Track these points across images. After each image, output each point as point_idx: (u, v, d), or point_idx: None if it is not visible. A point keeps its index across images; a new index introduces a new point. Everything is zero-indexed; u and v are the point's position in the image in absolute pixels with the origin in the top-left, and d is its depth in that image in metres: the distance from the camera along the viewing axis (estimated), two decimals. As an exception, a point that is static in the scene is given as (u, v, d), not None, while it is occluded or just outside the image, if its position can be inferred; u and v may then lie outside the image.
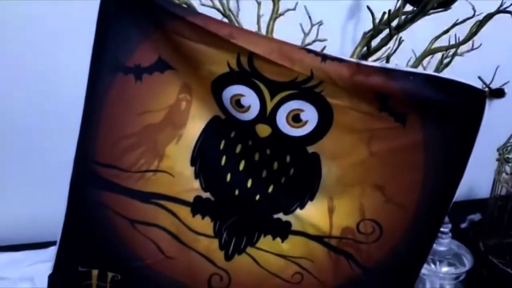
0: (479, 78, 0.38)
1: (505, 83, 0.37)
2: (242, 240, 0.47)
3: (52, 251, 0.51)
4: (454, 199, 0.97)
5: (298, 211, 0.46)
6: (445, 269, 0.59)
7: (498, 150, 0.70)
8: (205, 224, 0.46)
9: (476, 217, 0.83)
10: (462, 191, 1.00)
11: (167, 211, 0.46)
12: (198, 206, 0.46)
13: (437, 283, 0.60)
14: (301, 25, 0.55)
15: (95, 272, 0.48)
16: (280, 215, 0.46)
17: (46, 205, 0.59)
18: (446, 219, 0.60)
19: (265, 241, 0.47)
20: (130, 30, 0.41)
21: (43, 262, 0.68)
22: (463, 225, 0.82)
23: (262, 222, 0.46)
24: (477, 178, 0.73)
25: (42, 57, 0.64)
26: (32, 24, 0.61)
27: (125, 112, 0.43)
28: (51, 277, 0.50)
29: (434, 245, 0.61)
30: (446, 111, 0.39)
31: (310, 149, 0.43)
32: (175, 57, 0.42)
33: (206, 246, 0.47)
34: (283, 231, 0.46)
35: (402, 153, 0.41)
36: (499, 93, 0.36)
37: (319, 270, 0.46)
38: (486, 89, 0.37)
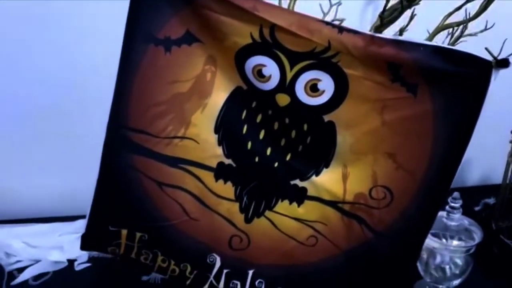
0: (486, 49, 0.40)
1: (510, 54, 0.39)
2: (261, 204, 0.50)
3: (79, 223, 0.55)
4: (471, 184, 0.98)
5: (314, 177, 0.48)
6: (455, 243, 0.61)
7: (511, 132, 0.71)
8: (227, 189, 0.50)
9: (491, 201, 0.85)
10: (478, 176, 1.02)
11: (192, 176, 0.50)
12: (220, 172, 0.49)
13: (447, 256, 0.62)
14: (320, 5, 0.58)
15: (124, 232, 0.52)
16: (297, 181, 0.49)
17: (75, 182, 0.63)
18: (457, 195, 0.62)
19: (282, 206, 0.49)
20: (162, 5, 0.44)
21: (71, 234, 0.73)
22: (477, 208, 0.83)
23: (280, 187, 0.49)
24: (494, 164, 0.74)
25: (77, 40, 0.68)
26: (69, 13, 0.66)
27: (155, 81, 0.47)
28: (83, 237, 0.54)
29: (445, 220, 0.63)
30: (454, 81, 0.41)
31: (326, 118, 0.46)
32: (202, 31, 0.45)
33: (227, 209, 0.50)
34: (300, 196, 0.49)
35: (413, 122, 0.44)
36: (504, 63, 0.38)
37: (333, 233, 0.49)
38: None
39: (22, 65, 0.71)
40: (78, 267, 0.70)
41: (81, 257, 0.72)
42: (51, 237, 0.75)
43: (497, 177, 0.74)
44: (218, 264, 0.51)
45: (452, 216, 0.62)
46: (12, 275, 0.68)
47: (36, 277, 0.68)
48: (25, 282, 0.67)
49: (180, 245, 0.51)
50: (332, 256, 0.49)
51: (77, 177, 0.61)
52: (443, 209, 0.63)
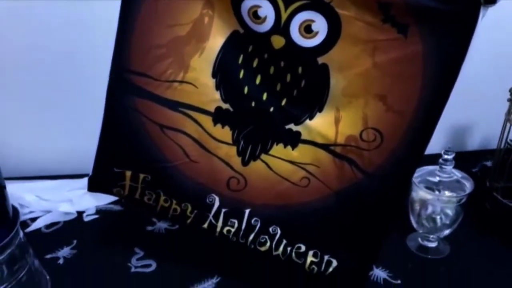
0: (473, -13, 0.41)
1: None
2: (257, 148, 0.52)
3: (86, 180, 0.58)
4: (470, 148, 0.98)
5: (307, 121, 0.50)
6: (447, 193, 0.63)
7: (510, 90, 0.72)
8: (225, 133, 0.52)
9: (489, 163, 0.86)
10: (478, 141, 1.02)
11: (192, 120, 0.52)
12: (218, 116, 0.52)
13: (438, 207, 0.64)
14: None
15: (128, 173, 0.55)
16: (291, 126, 0.51)
17: (83, 142, 0.66)
18: (450, 147, 0.64)
19: (278, 149, 0.52)
20: None
21: (79, 189, 0.77)
22: (475, 170, 0.85)
23: (275, 131, 0.51)
24: (494, 128, 0.75)
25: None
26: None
27: (155, 24, 0.48)
28: (90, 179, 0.57)
29: (438, 173, 0.65)
30: (444, 20, 0.42)
31: (320, 60, 0.48)
32: None
33: (225, 153, 0.53)
34: (294, 140, 0.51)
35: (403, 64, 0.45)
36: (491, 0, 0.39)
37: (325, 175, 0.51)
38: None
39: (24, 19, 0.72)
40: (86, 218, 0.74)
41: (89, 210, 0.76)
42: (60, 192, 0.79)
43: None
44: (217, 204, 0.54)
45: (444, 168, 0.64)
46: (25, 223, 0.72)
47: (48, 226, 0.72)
48: (38, 230, 0.71)
49: (181, 186, 0.53)
50: (324, 196, 0.51)
51: (85, 137, 0.63)
52: (436, 163, 0.65)
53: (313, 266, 0.52)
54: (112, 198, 0.78)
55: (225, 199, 0.53)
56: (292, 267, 0.53)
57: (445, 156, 0.63)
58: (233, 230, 0.54)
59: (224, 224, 0.54)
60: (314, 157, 0.51)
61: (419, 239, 0.67)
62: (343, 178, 0.50)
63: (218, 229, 0.54)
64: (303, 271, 0.53)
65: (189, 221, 0.55)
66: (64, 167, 0.82)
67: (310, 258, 0.52)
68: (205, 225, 0.54)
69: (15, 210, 0.57)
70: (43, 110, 0.81)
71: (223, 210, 0.53)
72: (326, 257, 0.52)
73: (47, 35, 0.74)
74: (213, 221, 0.54)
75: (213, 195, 0.53)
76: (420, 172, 0.65)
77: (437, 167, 0.65)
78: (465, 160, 0.70)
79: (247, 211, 0.53)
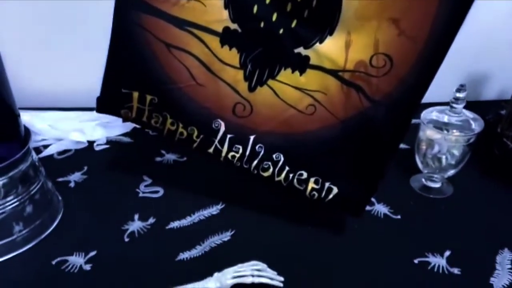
0: None
1: None
2: (264, 72, 0.52)
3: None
4: (487, 98, 0.96)
5: (317, 45, 0.49)
6: (455, 133, 0.62)
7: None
8: (232, 55, 0.51)
9: (503, 112, 0.84)
10: (495, 91, 0.99)
11: (198, 40, 0.51)
12: (226, 37, 0.50)
13: (445, 147, 0.63)
14: None
15: (135, 94, 0.55)
16: (301, 50, 0.50)
17: (95, 74, 0.66)
18: (463, 86, 0.62)
19: (285, 74, 0.51)
20: None
21: (90, 121, 0.79)
22: (488, 117, 0.83)
23: (283, 55, 0.50)
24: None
25: None
26: None
27: None
28: (98, 99, 0.58)
29: (448, 112, 0.63)
30: None
31: None
32: None
33: (232, 77, 0.52)
34: (302, 64, 0.50)
35: None
36: None
37: (331, 103, 0.50)
38: None
39: None
40: (97, 147, 0.76)
41: (100, 140, 0.78)
42: (72, 122, 0.80)
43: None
44: (222, 129, 0.54)
45: (455, 108, 0.62)
46: (38, 149, 0.74)
47: (60, 153, 0.75)
48: (51, 156, 0.74)
49: (188, 109, 0.54)
50: (329, 125, 0.51)
51: (98, 70, 0.63)
52: (447, 104, 0.64)
53: (314, 192, 0.53)
54: (123, 130, 0.80)
55: (231, 125, 0.54)
56: (293, 193, 0.54)
57: (457, 94, 0.61)
58: (237, 155, 0.54)
59: (229, 149, 0.54)
60: (321, 83, 0.50)
61: (423, 180, 0.68)
62: (350, 106, 0.49)
63: (223, 154, 0.55)
64: (304, 197, 0.54)
65: (195, 145, 0.55)
66: (76, 100, 0.83)
67: (311, 185, 0.53)
68: (211, 150, 0.55)
69: (27, 130, 0.59)
70: (57, 43, 0.80)
71: (229, 136, 0.54)
72: (327, 184, 0.53)
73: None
74: (218, 146, 0.55)
75: (219, 120, 0.54)
76: (430, 113, 0.64)
77: (447, 107, 0.63)
78: (480, 108, 0.69)
79: (252, 137, 0.54)
